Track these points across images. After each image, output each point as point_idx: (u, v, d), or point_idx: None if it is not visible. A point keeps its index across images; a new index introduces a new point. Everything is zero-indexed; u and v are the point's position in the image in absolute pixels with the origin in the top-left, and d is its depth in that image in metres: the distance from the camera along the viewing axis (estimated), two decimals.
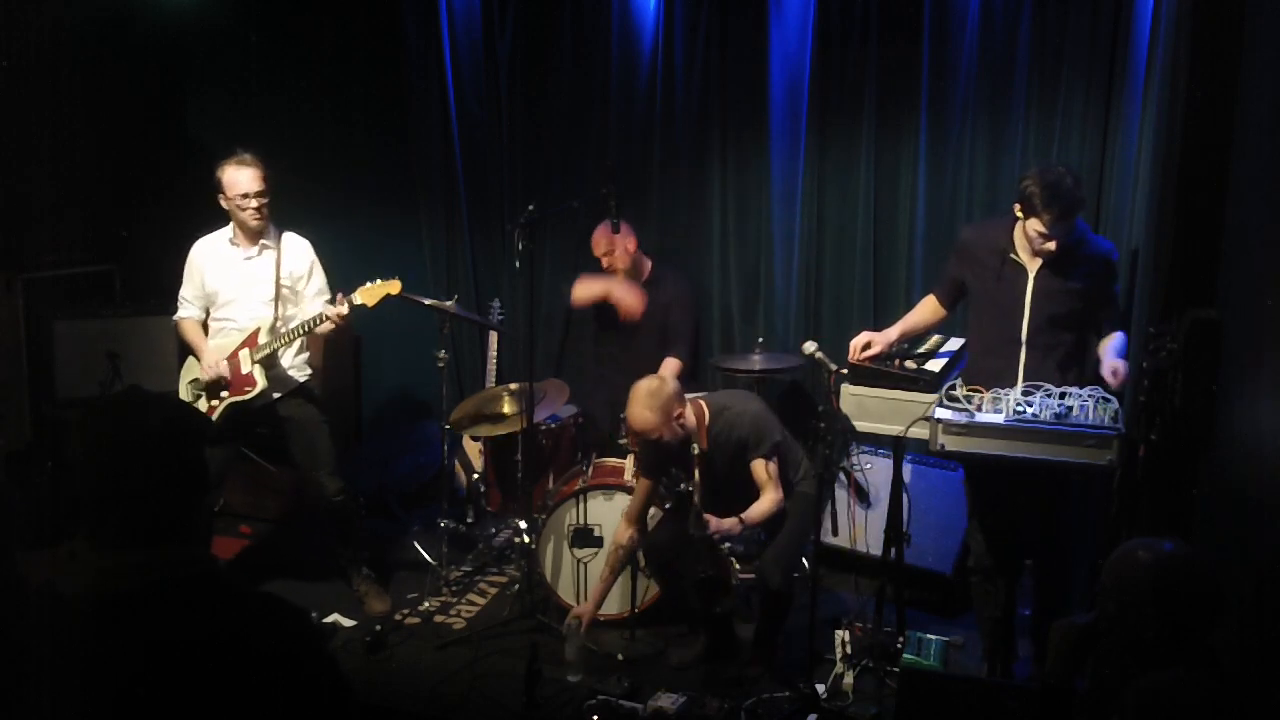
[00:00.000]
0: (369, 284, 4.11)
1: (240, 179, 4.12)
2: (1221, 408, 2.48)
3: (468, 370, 5.69)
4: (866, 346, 3.75)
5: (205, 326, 4.32)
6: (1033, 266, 3.56)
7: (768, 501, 3.79)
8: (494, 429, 4.59)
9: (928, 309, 3.95)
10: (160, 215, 5.50)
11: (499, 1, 5.33)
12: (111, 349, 4.72)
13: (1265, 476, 2.06)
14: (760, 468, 3.80)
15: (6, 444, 4.77)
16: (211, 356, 4.19)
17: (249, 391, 4.16)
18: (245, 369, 4.16)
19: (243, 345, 4.18)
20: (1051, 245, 3.46)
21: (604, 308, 4.93)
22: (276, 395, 4.24)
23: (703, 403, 3.91)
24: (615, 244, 4.72)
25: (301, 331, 4.17)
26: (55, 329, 4.82)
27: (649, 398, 3.74)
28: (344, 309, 4.08)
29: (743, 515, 3.74)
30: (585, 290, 4.83)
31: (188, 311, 4.32)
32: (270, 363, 4.19)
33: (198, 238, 4.34)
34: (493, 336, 5.33)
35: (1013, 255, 3.58)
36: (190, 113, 5.77)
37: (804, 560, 4.14)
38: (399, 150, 5.65)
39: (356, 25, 5.56)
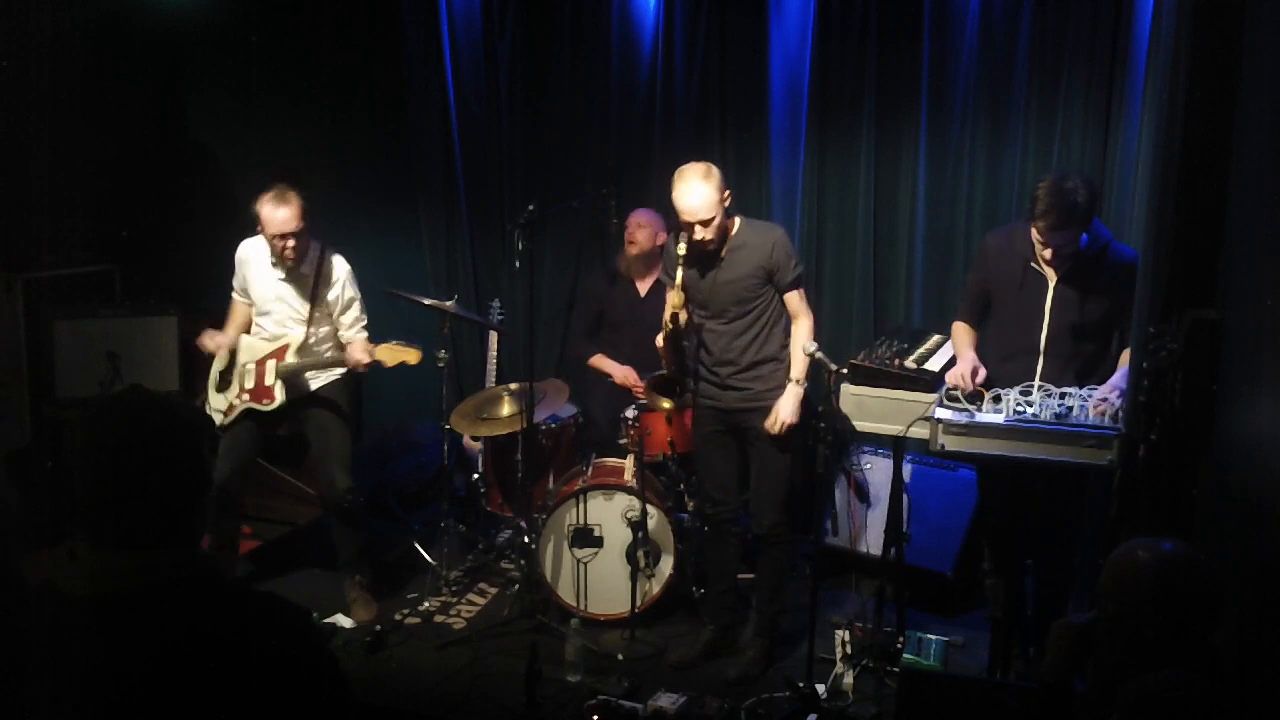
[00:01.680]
0: (393, 344, 4.12)
1: (276, 219, 4.03)
2: (1221, 408, 2.47)
3: (468, 370, 5.69)
4: (974, 372, 3.57)
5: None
6: (1053, 275, 3.52)
7: (802, 330, 3.81)
8: (494, 429, 4.58)
9: (970, 334, 3.79)
10: (160, 215, 5.51)
11: (499, 1, 5.33)
12: (111, 349, 4.72)
13: (1265, 476, 2.06)
14: (795, 298, 3.81)
15: (6, 444, 4.77)
16: (227, 334, 4.25)
17: (268, 405, 4.18)
18: (269, 381, 4.17)
19: (270, 356, 4.19)
20: (1048, 253, 3.44)
21: (609, 308, 4.94)
22: (293, 399, 4.24)
23: (736, 217, 3.84)
24: (651, 224, 4.76)
25: (324, 363, 4.21)
26: (55, 329, 4.81)
27: (706, 176, 3.64)
28: (366, 359, 4.09)
29: (797, 383, 3.74)
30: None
31: (236, 296, 4.35)
32: (294, 381, 4.21)
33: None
34: (493, 336, 5.33)
35: (1034, 264, 3.54)
36: (190, 113, 5.77)
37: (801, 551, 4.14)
38: (399, 150, 5.65)
39: (356, 25, 5.55)
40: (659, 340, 3.82)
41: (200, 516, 1.62)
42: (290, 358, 4.18)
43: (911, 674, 3.31)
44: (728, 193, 3.68)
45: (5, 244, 4.85)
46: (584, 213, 5.30)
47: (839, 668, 3.79)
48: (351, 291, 4.27)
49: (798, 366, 3.79)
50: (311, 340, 4.23)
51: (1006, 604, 3.66)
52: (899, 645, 3.84)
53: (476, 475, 4.97)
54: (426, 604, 4.41)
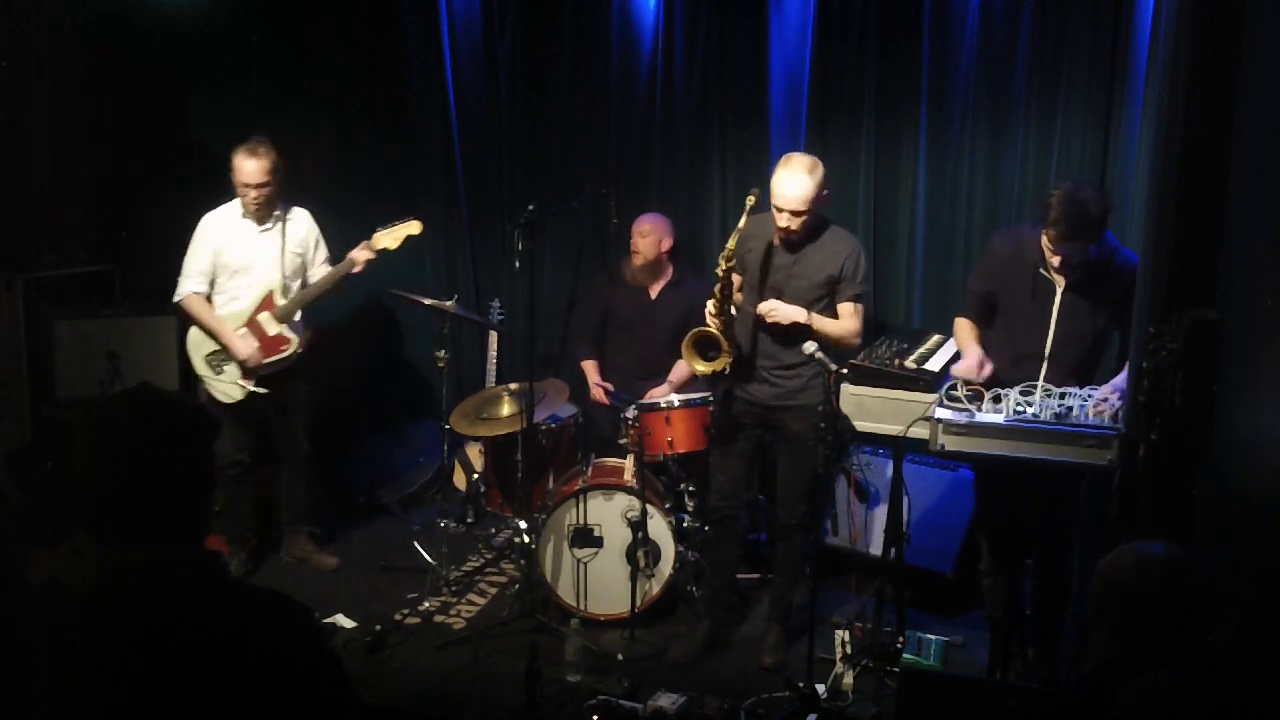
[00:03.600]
0: (388, 227, 4.37)
1: (245, 169, 4.31)
2: (1221, 408, 2.48)
3: (468, 370, 5.69)
4: (981, 365, 3.59)
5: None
6: (1061, 282, 3.51)
7: (843, 327, 3.78)
8: (494, 429, 4.58)
9: (974, 329, 3.78)
10: (160, 215, 5.49)
11: (499, 1, 5.33)
12: (111, 349, 4.72)
13: (1265, 476, 2.06)
14: (849, 309, 3.80)
15: (6, 444, 4.77)
16: (244, 345, 4.37)
17: (285, 350, 4.39)
18: (272, 331, 4.39)
19: (259, 310, 4.38)
20: (1056, 260, 3.44)
21: (616, 308, 4.93)
22: (298, 351, 4.47)
23: (830, 222, 3.86)
24: (654, 231, 4.77)
25: (327, 284, 4.40)
26: (55, 329, 4.81)
27: (811, 170, 3.62)
28: (368, 254, 4.34)
29: (810, 314, 3.72)
30: None
31: (198, 286, 4.45)
32: (291, 321, 4.41)
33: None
34: (493, 336, 5.33)
35: (1043, 270, 3.54)
36: (190, 112, 5.77)
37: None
38: (399, 150, 5.64)
39: (356, 25, 5.55)
40: (717, 292, 3.70)
41: (204, 515, 1.62)
42: (279, 300, 4.37)
43: (911, 674, 3.31)
44: (825, 193, 3.69)
45: (5, 244, 4.85)
46: (584, 213, 5.29)
47: (839, 668, 3.80)
48: (318, 231, 4.53)
49: (825, 322, 3.75)
50: (287, 276, 4.42)
51: (1006, 604, 3.66)
52: (899, 645, 3.84)
53: (476, 475, 4.97)
54: (426, 604, 4.41)
